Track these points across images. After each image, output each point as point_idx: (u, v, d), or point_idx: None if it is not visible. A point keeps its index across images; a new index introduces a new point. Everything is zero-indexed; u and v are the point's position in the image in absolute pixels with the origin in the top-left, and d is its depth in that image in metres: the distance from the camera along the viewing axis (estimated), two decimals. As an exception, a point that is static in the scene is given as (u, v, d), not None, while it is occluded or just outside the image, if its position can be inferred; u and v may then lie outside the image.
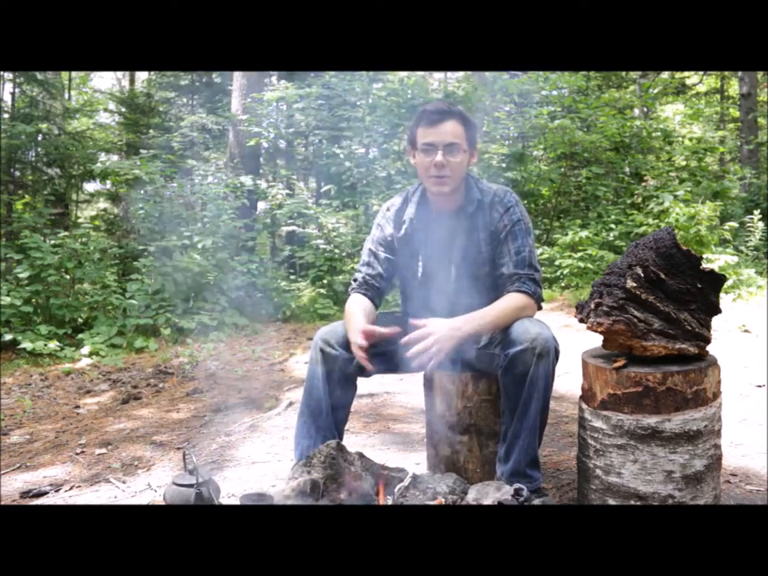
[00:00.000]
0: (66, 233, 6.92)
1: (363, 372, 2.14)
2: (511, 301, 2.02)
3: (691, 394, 1.75)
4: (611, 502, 1.81)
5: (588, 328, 1.84)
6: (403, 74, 9.52)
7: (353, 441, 2.87)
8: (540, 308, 2.08)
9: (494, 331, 2.05)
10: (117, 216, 10.40)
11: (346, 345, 2.07)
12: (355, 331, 1.98)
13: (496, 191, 2.17)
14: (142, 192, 8.14)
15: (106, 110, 13.88)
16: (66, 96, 10.67)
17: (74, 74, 12.02)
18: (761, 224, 8.32)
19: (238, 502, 1.94)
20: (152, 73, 13.23)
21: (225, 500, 2.23)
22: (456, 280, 2.15)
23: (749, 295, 6.20)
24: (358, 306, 2.12)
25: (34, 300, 6.11)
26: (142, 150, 9.08)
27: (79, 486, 2.54)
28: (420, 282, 2.20)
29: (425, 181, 2.14)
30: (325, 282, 7.97)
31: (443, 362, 1.94)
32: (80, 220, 9.92)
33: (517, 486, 1.83)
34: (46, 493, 2.47)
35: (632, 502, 1.77)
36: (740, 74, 12.17)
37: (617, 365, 1.79)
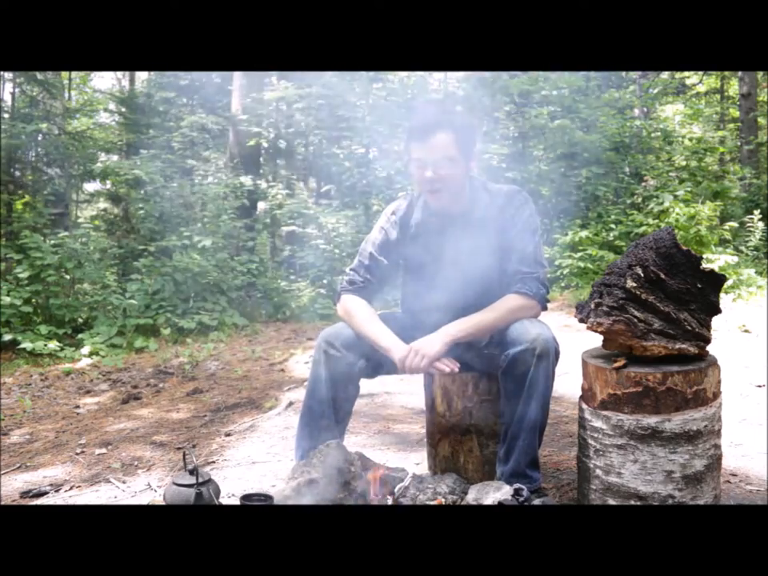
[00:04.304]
0: (66, 233, 6.92)
1: (366, 374, 2.15)
2: (507, 303, 2.02)
3: (691, 393, 1.75)
4: (611, 501, 1.81)
5: (588, 328, 1.84)
6: (403, 73, 9.52)
7: (353, 441, 2.87)
8: (545, 308, 2.06)
9: (488, 334, 2.06)
10: (117, 216, 10.41)
11: (349, 346, 2.07)
12: (396, 346, 2.02)
13: (507, 192, 2.15)
14: (142, 192, 8.14)
15: (105, 110, 13.86)
16: (66, 96, 10.66)
17: (74, 74, 12.00)
18: (761, 224, 8.33)
19: (238, 502, 1.94)
20: (152, 73, 13.22)
21: (225, 500, 2.23)
22: (464, 283, 2.15)
23: (749, 295, 6.20)
24: (373, 315, 2.13)
25: (33, 300, 6.10)
26: (141, 150, 9.08)
27: (79, 486, 2.54)
28: (427, 286, 2.20)
29: (422, 192, 2.15)
30: (325, 281, 7.97)
31: (448, 361, 1.98)
32: (80, 220, 9.93)
33: (517, 486, 1.83)
34: (46, 493, 2.47)
35: (632, 502, 1.77)
36: (740, 73, 12.16)
37: (617, 365, 1.79)
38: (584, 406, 1.90)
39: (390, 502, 1.96)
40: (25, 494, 2.45)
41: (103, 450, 2.98)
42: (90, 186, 10.64)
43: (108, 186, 10.27)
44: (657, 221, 7.78)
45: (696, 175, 9.29)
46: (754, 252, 8.28)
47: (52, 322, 6.01)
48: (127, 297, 6.55)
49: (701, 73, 14.52)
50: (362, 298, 2.17)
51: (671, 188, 8.32)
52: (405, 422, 3.23)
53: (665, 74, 12.60)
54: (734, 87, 15.09)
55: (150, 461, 2.80)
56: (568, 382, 3.57)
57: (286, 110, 9.78)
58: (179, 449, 2.92)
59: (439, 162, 2.01)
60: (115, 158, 11.95)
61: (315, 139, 9.58)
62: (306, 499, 1.85)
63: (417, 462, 2.54)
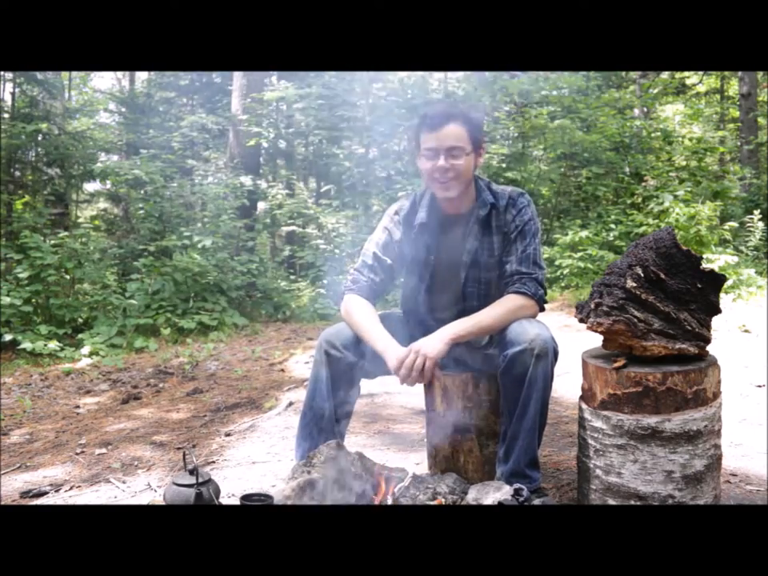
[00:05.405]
0: (66, 233, 6.92)
1: (367, 374, 2.14)
2: (507, 302, 2.02)
3: (691, 393, 1.75)
4: (611, 501, 1.81)
5: (588, 328, 1.84)
6: (403, 73, 9.53)
7: (353, 441, 2.87)
8: (542, 309, 2.07)
9: (488, 334, 2.06)
10: (117, 216, 10.42)
11: (350, 347, 2.07)
12: (392, 349, 1.98)
13: (510, 194, 2.16)
14: (142, 192, 8.15)
15: (105, 110, 13.89)
16: (66, 96, 10.66)
17: (74, 73, 12.01)
18: (761, 224, 8.33)
19: (238, 502, 1.94)
20: (152, 73, 13.23)
21: (225, 500, 2.23)
22: (466, 283, 2.15)
23: (749, 295, 6.20)
24: (373, 315, 2.11)
25: (33, 300, 6.10)
26: (141, 150, 9.09)
27: (79, 486, 2.54)
28: (429, 286, 2.20)
29: (430, 185, 2.14)
30: (325, 281, 7.97)
31: (436, 370, 1.96)
32: (80, 220, 9.92)
33: (517, 485, 1.83)
34: (45, 493, 2.47)
35: (632, 502, 1.77)
36: (740, 73, 12.16)
37: (617, 365, 1.79)
38: (584, 405, 1.90)
39: (390, 501, 1.96)
40: (25, 494, 2.45)
41: (103, 450, 2.98)
42: (90, 186, 10.64)
43: (108, 186, 10.28)
44: (657, 221, 7.78)
45: (696, 175, 9.29)
46: (754, 252, 8.29)
47: (52, 322, 6.01)
48: (127, 297, 6.56)
49: (701, 73, 14.52)
50: (366, 298, 2.17)
51: (671, 188, 8.33)
52: (405, 422, 3.23)
53: (665, 74, 12.60)
54: (733, 87, 15.10)
55: (150, 461, 2.80)
56: (568, 382, 3.57)
57: (286, 110, 9.80)
58: (179, 449, 2.92)
59: (451, 151, 2.03)
60: (115, 157, 11.96)
61: (315, 139, 9.59)
62: (306, 499, 1.85)
63: (417, 462, 2.54)
